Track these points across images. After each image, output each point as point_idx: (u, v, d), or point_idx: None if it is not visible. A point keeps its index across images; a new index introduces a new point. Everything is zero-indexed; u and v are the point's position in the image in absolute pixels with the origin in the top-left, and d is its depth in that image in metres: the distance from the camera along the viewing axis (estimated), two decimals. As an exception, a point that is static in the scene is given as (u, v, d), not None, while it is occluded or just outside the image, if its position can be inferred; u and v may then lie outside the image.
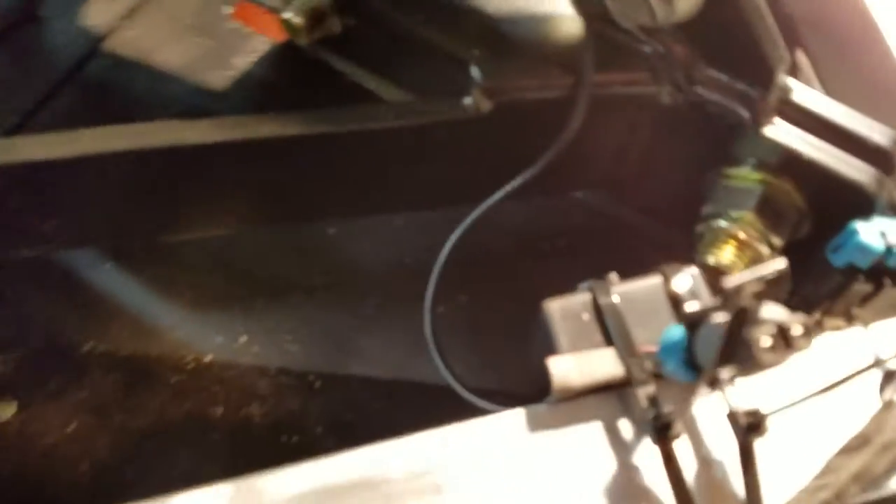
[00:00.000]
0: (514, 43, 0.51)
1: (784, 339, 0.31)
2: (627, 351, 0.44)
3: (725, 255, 0.50)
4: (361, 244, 0.65)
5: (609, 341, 0.45)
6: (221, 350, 0.65)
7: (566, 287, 0.62)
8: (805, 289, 0.53)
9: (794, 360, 0.33)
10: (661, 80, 0.51)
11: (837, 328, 0.51)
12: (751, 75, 0.50)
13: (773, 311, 0.32)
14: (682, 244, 0.65)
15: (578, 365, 0.44)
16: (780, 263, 0.33)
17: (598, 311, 0.46)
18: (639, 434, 0.45)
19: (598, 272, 0.62)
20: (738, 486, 0.43)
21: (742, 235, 0.50)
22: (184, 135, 0.54)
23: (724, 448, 0.44)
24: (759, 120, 0.49)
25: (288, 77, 0.73)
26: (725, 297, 0.32)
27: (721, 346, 0.32)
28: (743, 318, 0.32)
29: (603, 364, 0.45)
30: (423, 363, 0.61)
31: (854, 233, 0.47)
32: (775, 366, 0.32)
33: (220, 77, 0.84)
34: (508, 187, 0.51)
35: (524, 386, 0.54)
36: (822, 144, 0.49)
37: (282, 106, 0.56)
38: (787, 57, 0.49)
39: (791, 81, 0.49)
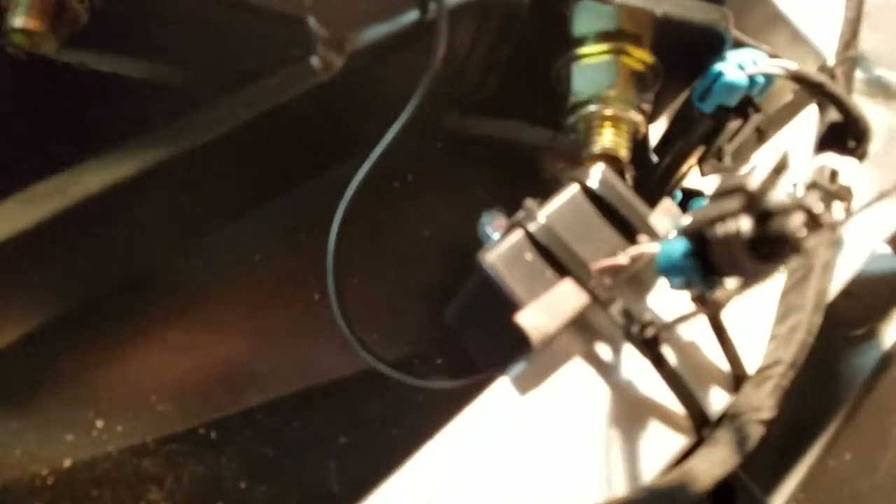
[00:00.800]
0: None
1: (812, 220, 0.30)
2: (585, 275, 0.42)
3: (606, 138, 0.48)
4: (222, 257, 0.54)
5: (561, 272, 0.42)
6: (78, 448, 0.52)
7: (440, 224, 0.58)
8: (675, 144, 0.54)
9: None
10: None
11: (718, 170, 0.53)
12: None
13: (783, 196, 0.31)
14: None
15: (546, 310, 0.41)
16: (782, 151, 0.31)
17: (537, 244, 0.43)
18: (618, 351, 0.44)
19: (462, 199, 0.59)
20: (720, 360, 0.45)
21: (611, 112, 0.49)
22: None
23: (693, 330, 0.45)
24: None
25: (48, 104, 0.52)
26: (746, 197, 0.30)
27: (748, 249, 0.31)
28: (768, 215, 0.30)
29: (567, 299, 0.42)
30: (332, 358, 0.54)
31: (720, 75, 0.48)
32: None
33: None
34: (384, 143, 0.44)
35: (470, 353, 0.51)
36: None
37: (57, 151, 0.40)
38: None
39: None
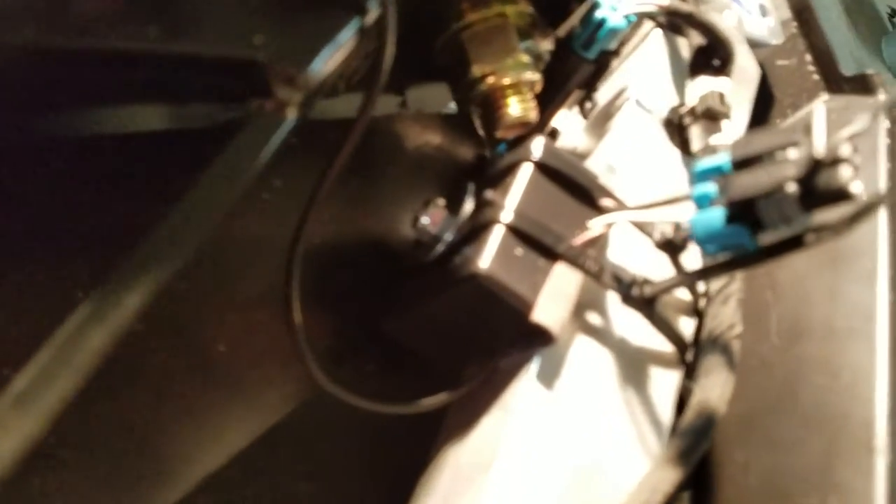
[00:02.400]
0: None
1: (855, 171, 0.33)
2: (570, 252, 0.41)
3: (513, 109, 0.47)
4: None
5: (548, 255, 0.41)
6: None
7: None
8: (556, 92, 0.54)
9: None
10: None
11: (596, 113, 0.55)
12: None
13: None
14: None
15: (554, 300, 0.40)
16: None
17: (521, 235, 0.41)
18: (605, 315, 0.45)
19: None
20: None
21: (510, 80, 0.47)
22: None
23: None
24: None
25: None
26: (809, 164, 0.32)
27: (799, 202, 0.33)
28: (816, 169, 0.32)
29: (567, 281, 0.41)
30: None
31: (603, 21, 0.49)
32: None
33: None
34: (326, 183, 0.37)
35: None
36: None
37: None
38: None
39: None
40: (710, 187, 0.36)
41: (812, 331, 0.55)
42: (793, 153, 0.33)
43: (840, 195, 0.32)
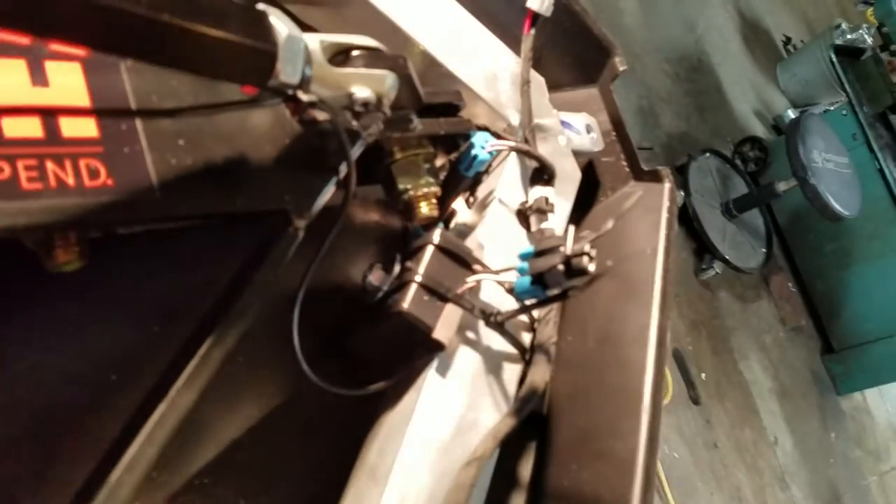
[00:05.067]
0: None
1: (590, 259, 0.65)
2: (456, 296, 0.72)
3: (423, 210, 0.76)
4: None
5: (443, 299, 0.72)
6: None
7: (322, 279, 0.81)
8: (449, 195, 0.85)
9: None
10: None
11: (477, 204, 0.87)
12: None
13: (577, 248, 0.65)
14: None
15: (445, 325, 0.71)
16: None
17: (427, 288, 0.72)
18: (476, 333, 0.76)
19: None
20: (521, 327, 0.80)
21: (422, 192, 0.77)
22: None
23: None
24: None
25: None
26: (564, 255, 0.64)
27: (563, 275, 0.65)
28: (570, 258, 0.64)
29: (453, 314, 0.72)
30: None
31: (476, 155, 0.80)
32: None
33: None
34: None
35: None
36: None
37: None
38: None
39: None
40: (524, 264, 0.68)
41: (613, 339, 0.87)
42: (561, 249, 0.65)
43: (583, 272, 0.64)
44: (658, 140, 3.55)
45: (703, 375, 3.12)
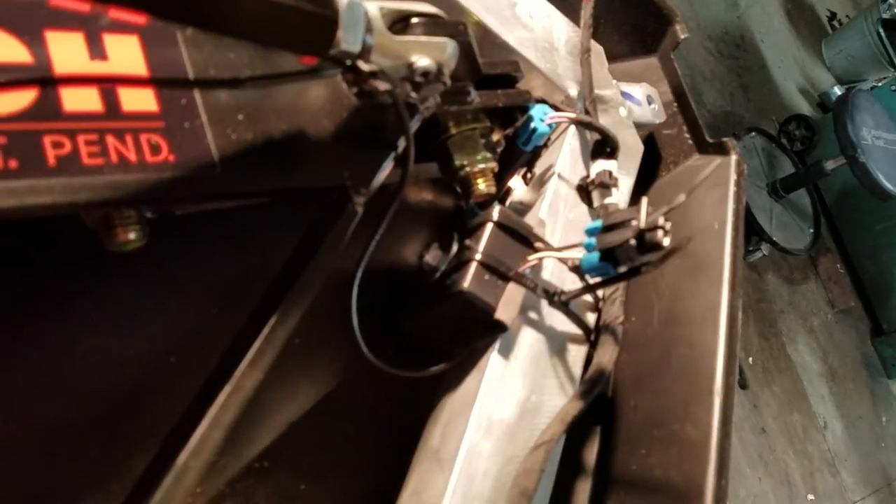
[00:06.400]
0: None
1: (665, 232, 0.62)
2: (518, 274, 0.70)
3: (481, 187, 0.74)
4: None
5: (504, 278, 0.70)
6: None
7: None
8: (507, 170, 0.83)
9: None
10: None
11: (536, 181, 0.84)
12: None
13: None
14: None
15: (508, 305, 0.69)
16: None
17: (487, 267, 0.69)
18: (539, 314, 0.74)
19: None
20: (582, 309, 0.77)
21: (479, 167, 0.74)
22: None
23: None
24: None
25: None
26: (637, 229, 0.61)
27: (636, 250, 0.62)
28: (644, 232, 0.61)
29: (514, 293, 0.70)
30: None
31: (536, 128, 0.77)
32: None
33: None
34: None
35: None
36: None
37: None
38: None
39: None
40: (592, 240, 0.65)
41: (680, 319, 0.84)
42: (633, 223, 0.62)
43: (657, 247, 0.61)
44: (701, 119, 3.45)
45: (749, 359, 3.05)
